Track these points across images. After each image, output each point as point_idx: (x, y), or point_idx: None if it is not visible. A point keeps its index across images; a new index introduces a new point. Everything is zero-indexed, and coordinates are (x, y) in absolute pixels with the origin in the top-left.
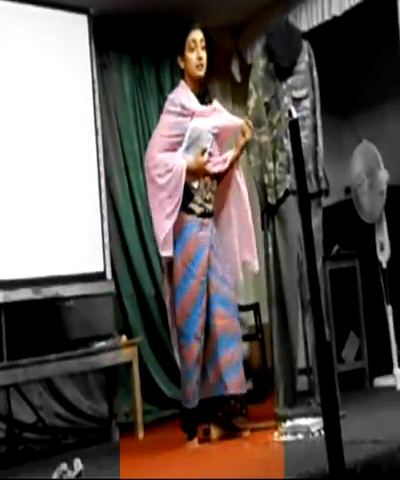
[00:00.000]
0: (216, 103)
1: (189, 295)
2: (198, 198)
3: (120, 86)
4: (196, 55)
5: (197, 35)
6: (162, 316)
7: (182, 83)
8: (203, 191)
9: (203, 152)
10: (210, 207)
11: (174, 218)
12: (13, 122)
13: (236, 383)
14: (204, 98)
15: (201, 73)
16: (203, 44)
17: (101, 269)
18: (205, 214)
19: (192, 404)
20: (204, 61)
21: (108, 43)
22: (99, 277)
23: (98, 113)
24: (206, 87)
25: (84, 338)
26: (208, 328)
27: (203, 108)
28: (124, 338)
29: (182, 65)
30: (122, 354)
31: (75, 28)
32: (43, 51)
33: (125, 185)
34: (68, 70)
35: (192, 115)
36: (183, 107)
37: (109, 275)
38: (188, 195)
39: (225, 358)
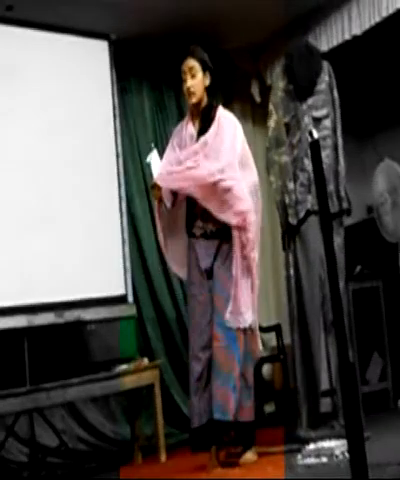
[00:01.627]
0: (223, 118)
1: (191, 316)
2: (199, 221)
3: (141, 110)
4: (185, 84)
5: (185, 65)
6: (183, 338)
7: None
8: (203, 214)
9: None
10: (211, 227)
11: (165, 244)
12: (35, 147)
13: (224, 409)
14: (206, 120)
15: (193, 100)
16: (193, 72)
17: (123, 292)
18: (205, 235)
19: (194, 423)
20: (193, 89)
21: (129, 68)
22: (121, 300)
23: (119, 137)
24: (209, 107)
25: (106, 361)
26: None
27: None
28: (146, 361)
29: None
30: (144, 377)
31: (96, 54)
32: (64, 77)
33: (146, 208)
34: (89, 95)
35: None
36: (172, 138)
37: (130, 298)
38: (191, 220)
39: (215, 384)
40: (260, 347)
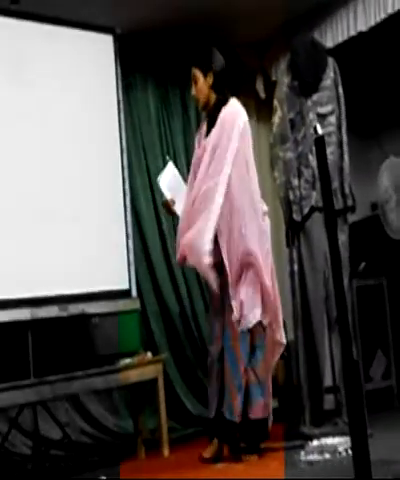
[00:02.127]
0: (223, 118)
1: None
2: None
3: (145, 106)
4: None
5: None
6: (186, 333)
7: None
8: None
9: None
10: None
11: None
12: (38, 141)
13: (231, 408)
14: (212, 120)
15: (199, 105)
16: (195, 79)
17: (126, 287)
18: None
19: (208, 413)
20: (196, 96)
21: (134, 63)
22: (124, 294)
23: (123, 132)
24: (215, 105)
25: (109, 355)
26: None
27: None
28: (149, 355)
29: None
30: (147, 371)
31: (101, 48)
32: (69, 70)
33: (150, 203)
34: (94, 89)
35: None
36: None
37: (134, 292)
38: None
39: (226, 381)
40: (283, 340)
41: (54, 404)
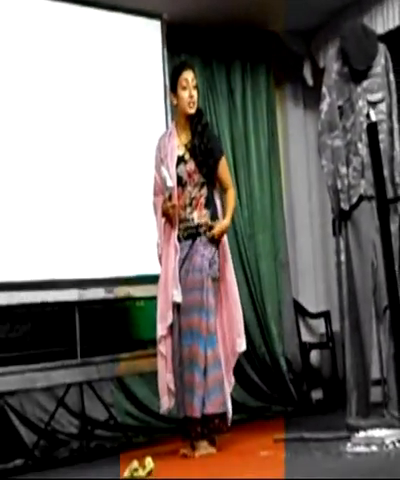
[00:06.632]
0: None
1: None
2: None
3: None
4: (188, 93)
5: (189, 75)
6: None
7: (171, 125)
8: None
9: (170, 196)
10: (188, 231)
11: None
12: (88, 124)
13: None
14: (195, 133)
15: (192, 111)
16: (194, 83)
17: None
18: (179, 238)
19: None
20: (195, 99)
21: (180, 47)
22: None
23: (169, 115)
24: (199, 119)
25: (154, 338)
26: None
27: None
28: None
29: (174, 102)
30: None
31: (149, 33)
32: (117, 55)
33: None
34: (141, 73)
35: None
36: (159, 150)
37: None
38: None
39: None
40: None
41: (100, 385)
